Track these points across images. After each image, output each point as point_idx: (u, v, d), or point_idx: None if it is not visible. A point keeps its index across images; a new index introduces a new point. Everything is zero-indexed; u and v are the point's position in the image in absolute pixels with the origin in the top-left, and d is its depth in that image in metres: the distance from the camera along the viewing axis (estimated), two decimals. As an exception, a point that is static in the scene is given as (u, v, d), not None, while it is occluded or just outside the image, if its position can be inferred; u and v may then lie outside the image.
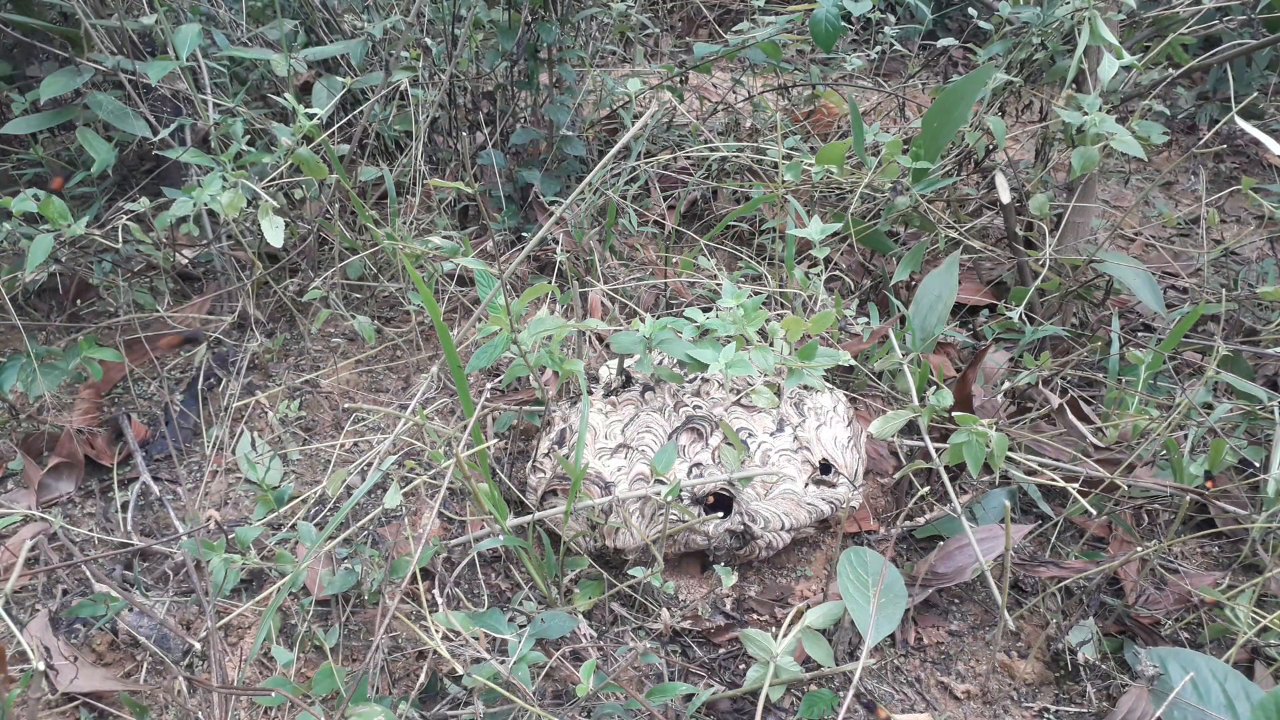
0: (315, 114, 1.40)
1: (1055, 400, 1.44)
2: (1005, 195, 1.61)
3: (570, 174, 1.91)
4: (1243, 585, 1.20)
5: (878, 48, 2.27)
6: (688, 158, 1.97)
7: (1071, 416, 1.40)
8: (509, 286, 1.27)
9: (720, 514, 1.16)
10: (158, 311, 1.58)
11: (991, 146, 1.91)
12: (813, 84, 2.16)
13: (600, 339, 1.57)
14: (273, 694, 0.93)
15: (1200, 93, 2.49)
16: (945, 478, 1.27)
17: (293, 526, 1.29)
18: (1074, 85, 1.64)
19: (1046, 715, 1.16)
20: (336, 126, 1.68)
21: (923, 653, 1.23)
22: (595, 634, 1.16)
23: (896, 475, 1.39)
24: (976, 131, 1.85)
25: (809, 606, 1.12)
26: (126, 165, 1.80)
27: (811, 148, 1.96)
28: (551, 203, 1.84)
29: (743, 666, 1.18)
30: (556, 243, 1.73)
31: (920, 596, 1.24)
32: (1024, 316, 1.65)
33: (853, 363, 1.32)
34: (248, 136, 1.57)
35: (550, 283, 1.39)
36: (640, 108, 2.18)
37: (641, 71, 2.24)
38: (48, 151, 1.67)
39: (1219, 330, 1.64)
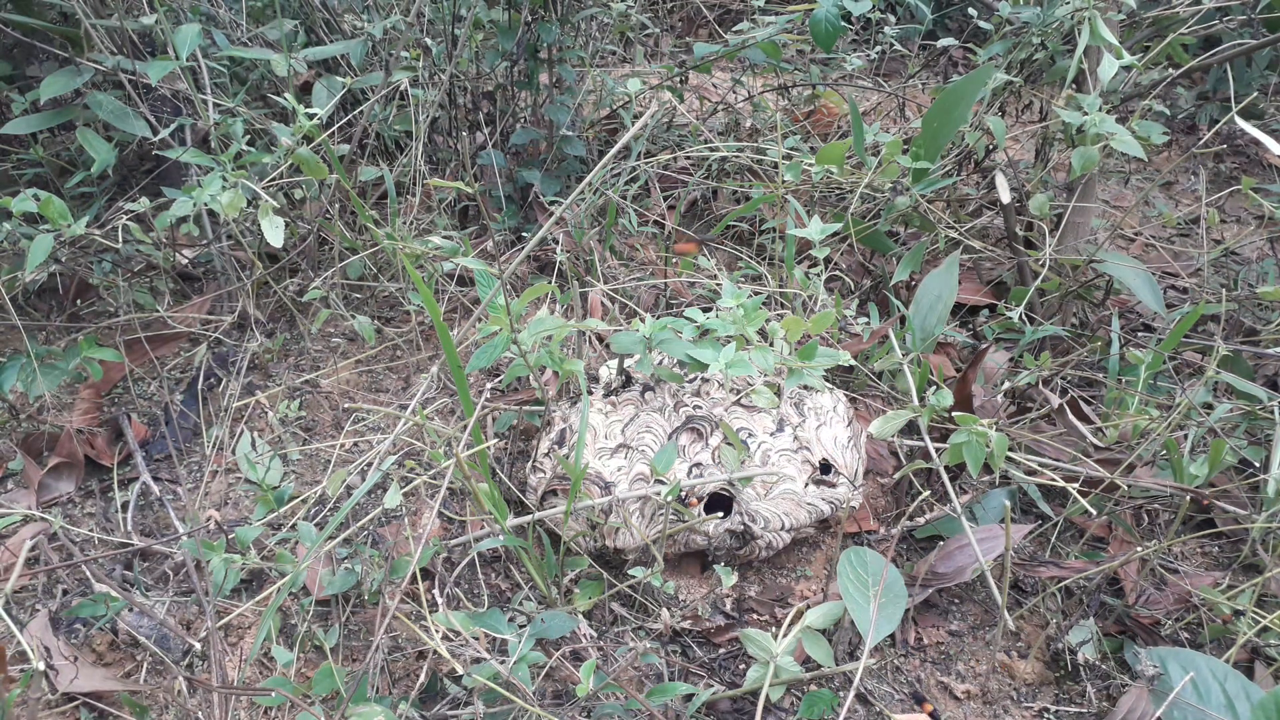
0: (315, 114, 1.40)
1: (1055, 400, 1.44)
2: (1005, 195, 1.61)
3: (570, 174, 1.91)
4: (1243, 585, 1.20)
5: (878, 48, 2.27)
6: (688, 158, 1.97)
7: (1071, 416, 1.40)
8: (509, 286, 1.27)
9: (720, 514, 1.16)
10: (158, 311, 1.58)
11: (991, 146, 1.91)
12: (813, 84, 2.16)
13: (600, 339, 1.57)
14: (273, 694, 0.93)
15: (1200, 93, 2.49)
16: (945, 478, 1.27)
17: (293, 526, 1.29)
18: (1074, 85, 1.64)
19: (1046, 715, 1.16)
20: (336, 126, 1.68)
21: (923, 653, 1.23)
22: (595, 634, 1.16)
23: (896, 475, 1.39)
24: (976, 131, 1.85)
25: (809, 606, 1.12)
26: (126, 165, 1.80)
27: (811, 148, 1.96)
28: (551, 203, 1.84)
29: (743, 666, 1.18)
30: (556, 243, 1.73)
31: (920, 596, 1.24)
32: (1024, 316, 1.65)
33: (853, 363, 1.32)
34: (248, 136, 1.57)
35: (550, 283, 1.39)
36: (640, 108, 2.18)
37: (641, 71, 2.24)
38: (48, 151, 1.67)
39: (1219, 330, 1.64)
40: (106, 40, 1.54)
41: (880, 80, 2.42)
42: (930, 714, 1.10)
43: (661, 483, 1.20)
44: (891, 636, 1.23)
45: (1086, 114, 1.52)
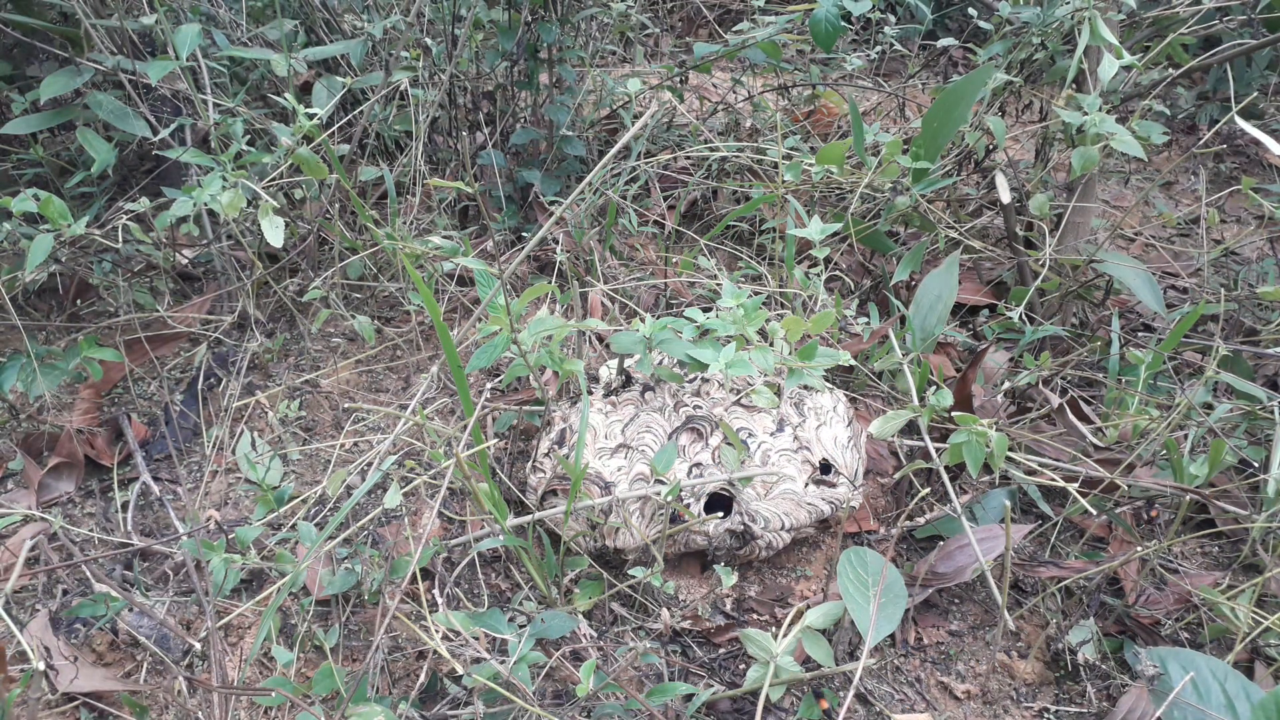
0: (315, 114, 1.40)
1: (1055, 400, 1.44)
2: (1005, 195, 1.61)
3: (570, 174, 1.91)
4: (1243, 585, 1.20)
5: (878, 48, 2.27)
6: (688, 158, 1.97)
7: (1071, 416, 1.40)
8: (509, 286, 1.27)
9: (720, 514, 1.16)
10: (158, 311, 1.58)
11: (991, 146, 1.91)
12: (813, 84, 2.16)
13: (600, 339, 1.57)
14: (273, 694, 0.93)
15: (1200, 93, 2.49)
16: (945, 478, 1.27)
17: (293, 526, 1.29)
18: (1074, 85, 1.64)
19: (1046, 715, 1.16)
20: (336, 126, 1.68)
21: (923, 653, 1.23)
22: (595, 634, 1.16)
23: (896, 475, 1.39)
24: (976, 131, 1.85)
25: (809, 606, 1.12)
26: (126, 165, 1.80)
27: (811, 148, 1.96)
28: (551, 203, 1.84)
29: (743, 666, 1.18)
30: (556, 243, 1.73)
31: (920, 596, 1.24)
32: (1024, 316, 1.65)
33: (853, 363, 1.32)
34: (248, 136, 1.57)
35: (550, 283, 1.39)
36: (640, 108, 2.18)
37: (641, 71, 2.24)
38: (48, 151, 1.67)
39: (1219, 330, 1.64)
40: (106, 40, 1.54)
41: (880, 80, 2.42)
42: None
43: (661, 483, 1.20)
44: (891, 636, 1.23)
45: (1086, 114, 1.52)
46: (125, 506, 1.35)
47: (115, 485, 1.38)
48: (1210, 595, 1.19)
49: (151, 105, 1.60)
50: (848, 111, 1.87)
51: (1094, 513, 1.22)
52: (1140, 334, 1.76)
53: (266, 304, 1.68)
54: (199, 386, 1.53)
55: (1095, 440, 1.38)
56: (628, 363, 1.38)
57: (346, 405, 1.41)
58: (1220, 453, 1.28)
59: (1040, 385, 1.51)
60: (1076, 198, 1.74)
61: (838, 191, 1.82)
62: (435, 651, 0.98)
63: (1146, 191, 1.98)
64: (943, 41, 2.06)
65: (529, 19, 1.78)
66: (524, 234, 1.86)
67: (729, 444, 1.23)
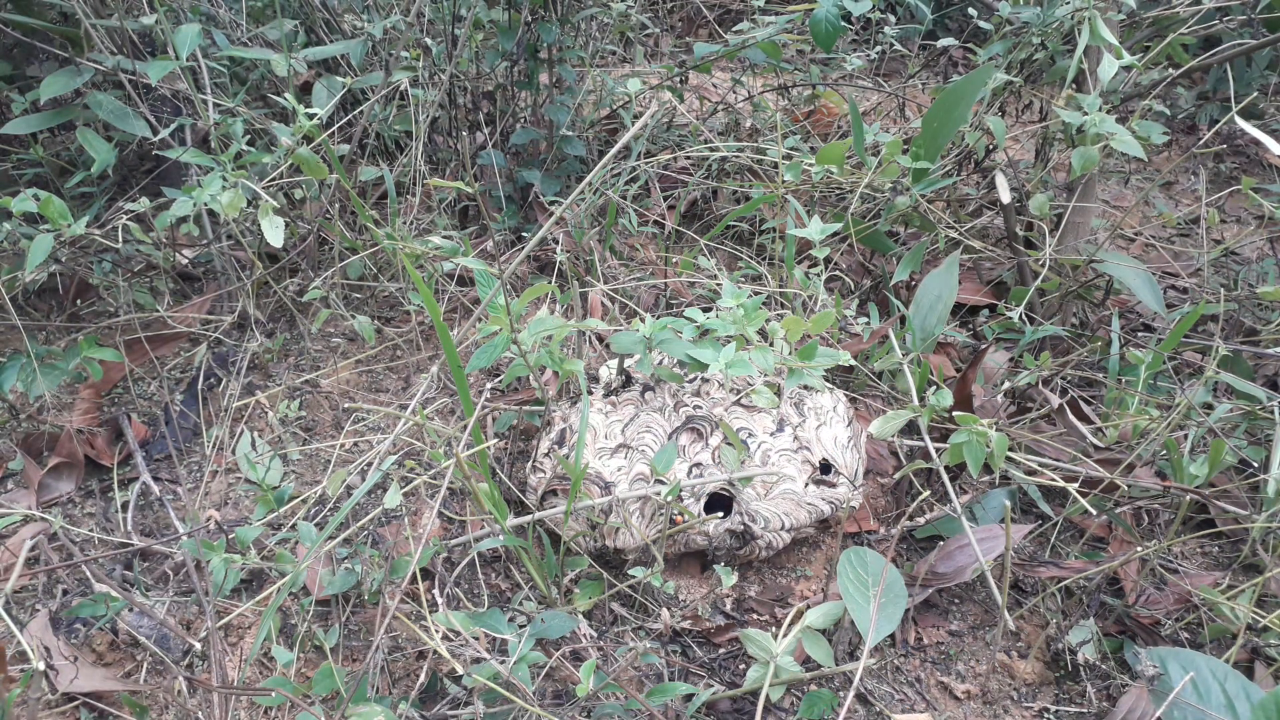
0: (315, 114, 1.40)
1: (1055, 400, 1.44)
2: (1005, 195, 1.61)
3: (570, 174, 1.91)
4: (1243, 585, 1.20)
5: (878, 48, 2.27)
6: (688, 158, 1.97)
7: (1071, 416, 1.40)
8: (509, 286, 1.27)
9: (720, 514, 1.16)
10: (158, 311, 1.58)
11: (991, 146, 1.91)
12: (813, 84, 2.16)
13: (600, 339, 1.57)
14: (273, 694, 0.93)
15: (1200, 93, 2.49)
16: (945, 478, 1.27)
17: (293, 526, 1.29)
18: (1074, 85, 1.64)
19: (1046, 715, 1.16)
20: (336, 126, 1.68)
21: (923, 653, 1.23)
22: (595, 634, 1.16)
23: (896, 475, 1.39)
24: (976, 131, 1.85)
25: (809, 606, 1.12)
26: (126, 165, 1.80)
27: (811, 148, 1.96)
28: (551, 203, 1.84)
29: (743, 666, 1.18)
30: (556, 243, 1.73)
31: (920, 596, 1.24)
32: (1024, 316, 1.65)
33: (853, 363, 1.32)
34: (248, 136, 1.57)
35: (550, 283, 1.39)
36: (640, 108, 2.18)
37: (641, 71, 2.24)
38: (48, 151, 1.67)
39: (1219, 330, 1.64)
40: (106, 40, 1.54)
41: (880, 80, 2.42)
42: None
43: (661, 483, 1.20)
44: (891, 636, 1.23)
45: (1086, 114, 1.52)
46: (125, 506, 1.35)
47: (115, 485, 1.38)
48: (1210, 595, 1.19)
49: (151, 105, 1.60)
50: (848, 111, 1.87)
51: (1094, 513, 1.22)
52: (1140, 334, 1.76)
53: (266, 304, 1.68)
54: (199, 386, 1.53)
55: (1095, 440, 1.38)
56: (628, 363, 1.38)
57: (346, 405, 1.41)
58: (1220, 453, 1.28)
59: (1040, 385, 1.51)
60: (1076, 198, 1.74)
61: (838, 191, 1.82)
62: (435, 651, 0.98)
63: (1146, 191, 1.98)
64: (943, 41, 2.06)
65: (529, 19, 1.78)
66: (524, 234, 1.86)
67: (729, 444, 1.23)
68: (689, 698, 1.08)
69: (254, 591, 1.24)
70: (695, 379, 1.34)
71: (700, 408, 1.29)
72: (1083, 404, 1.49)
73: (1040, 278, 1.64)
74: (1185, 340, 1.59)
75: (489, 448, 1.21)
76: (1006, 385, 1.52)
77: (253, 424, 1.50)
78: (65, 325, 1.61)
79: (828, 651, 1.07)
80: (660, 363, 1.32)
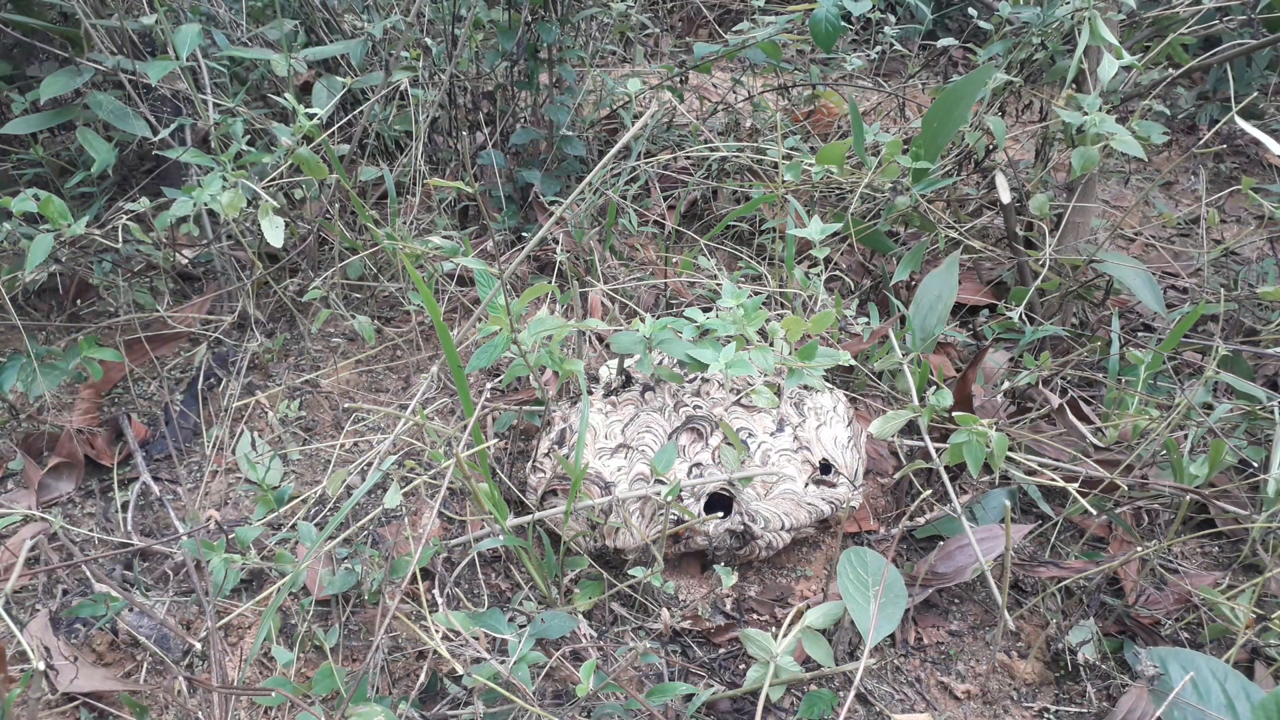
0: (315, 114, 1.40)
1: (1055, 400, 1.44)
2: (1005, 195, 1.61)
3: (570, 174, 1.91)
4: (1243, 585, 1.20)
5: (878, 48, 2.27)
6: (688, 158, 1.97)
7: (1071, 416, 1.40)
8: (509, 286, 1.27)
9: (720, 514, 1.16)
10: (158, 311, 1.58)
11: (991, 146, 1.91)
12: (813, 84, 2.16)
13: (600, 339, 1.57)
14: (273, 694, 0.93)
15: (1200, 93, 2.49)
16: (945, 478, 1.27)
17: (293, 526, 1.29)
18: (1074, 85, 1.64)
19: (1046, 715, 1.16)
20: (336, 126, 1.68)
21: (923, 653, 1.23)
22: (595, 634, 1.16)
23: (896, 475, 1.39)
24: (976, 131, 1.85)
25: (809, 606, 1.12)
26: (126, 165, 1.80)
27: (811, 148, 1.96)
28: (551, 203, 1.84)
29: (743, 666, 1.18)
30: (556, 243, 1.73)
31: (920, 596, 1.24)
32: (1024, 316, 1.65)
33: (853, 363, 1.32)
34: (248, 136, 1.57)
35: (550, 283, 1.39)
36: (640, 108, 2.18)
37: (641, 71, 2.24)
38: (48, 151, 1.67)
39: (1219, 330, 1.64)
40: (106, 40, 1.54)
41: (880, 80, 2.42)
42: None
43: (661, 483, 1.20)
44: (891, 636, 1.23)
45: (1086, 114, 1.52)
46: (125, 506, 1.35)
47: (115, 485, 1.38)
48: (1210, 595, 1.19)
49: (151, 105, 1.60)
50: (848, 111, 1.87)
51: (1094, 513, 1.22)
52: (1140, 334, 1.76)
53: (266, 304, 1.68)
54: (199, 386, 1.53)
55: (1095, 440, 1.38)
56: (628, 363, 1.38)
57: (346, 405, 1.41)
58: (1220, 453, 1.28)
59: (1040, 385, 1.51)
60: (1076, 198, 1.74)
61: (838, 191, 1.82)
62: (435, 651, 0.98)
63: (1146, 191, 1.98)
64: (943, 41, 2.06)
65: (529, 19, 1.78)
66: (524, 234, 1.86)
67: (729, 444, 1.23)
68: (689, 698, 1.08)
69: (254, 591, 1.24)
70: (695, 379, 1.34)
71: (700, 408, 1.29)
72: (1083, 404, 1.49)
73: (1040, 278, 1.64)
74: (1185, 340, 1.59)
75: (489, 448, 1.21)
76: (1006, 385, 1.52)
77: (253, 424, 1.50)
78: (65, 325, 1.61)
79: (828, 651, 1.07)
80: (660, 363, 1.32)
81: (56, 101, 1.52)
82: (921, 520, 1.34)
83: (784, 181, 1.70)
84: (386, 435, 1.39)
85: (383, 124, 1.79)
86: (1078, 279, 1.71)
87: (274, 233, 1.30)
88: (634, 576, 1.15)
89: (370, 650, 0.96)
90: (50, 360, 1.39)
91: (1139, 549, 1.22)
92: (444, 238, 1.54)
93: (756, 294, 1.50)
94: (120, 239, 1.40)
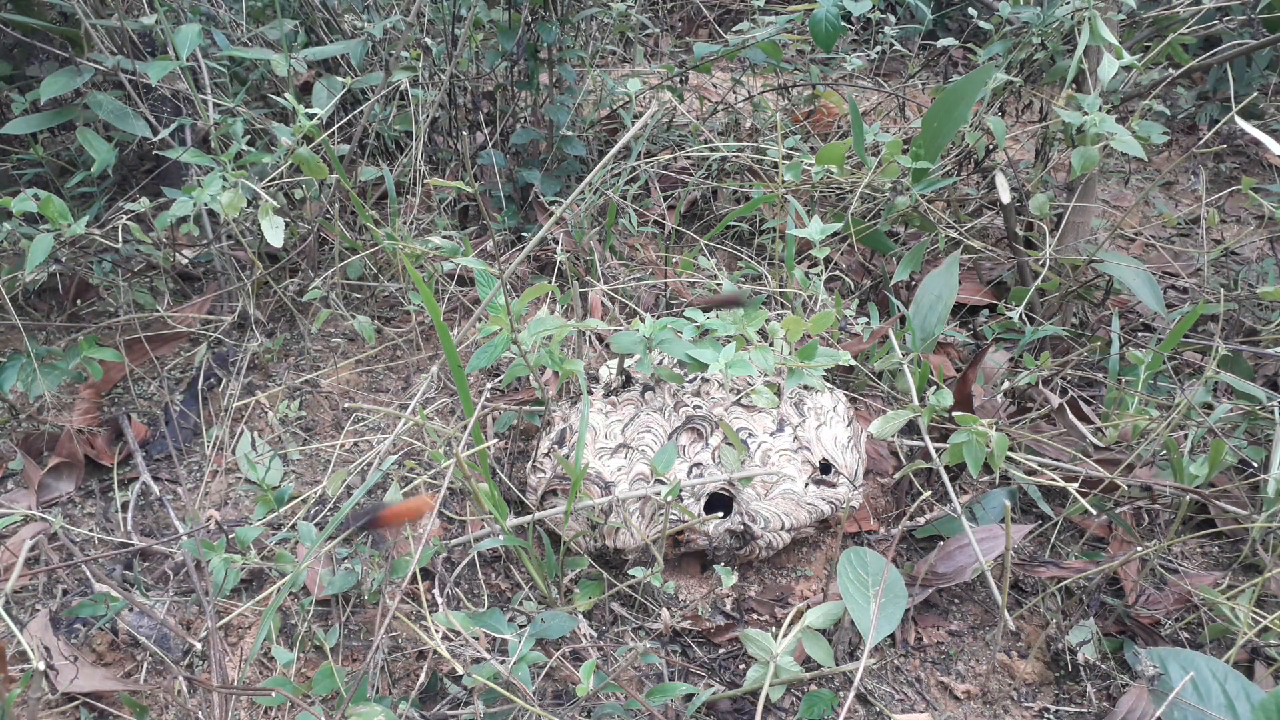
0: (315, 114, 1.40)
1: (1055, 400, 1.44)
2: (1005, 195, 1.61)
3: (570, 174, 1.91)
4: (1243, 585, 1.20)
5: (878, 48, 2.27)
6: (688, 158, 1.97)
7: (1071, 416, 1.40)
8: (509, 286, 1.27)
9: (720, 514, 1.16)
10: (158, 311, 1.58)
11: (991, 146, 1.91)
12: (813, 84, 2.16)
13: (600, 339, 1.57)
14: (273, 694, 0.93)
15: (1200, 93, 2.49)
16: (945, 478, 1.27)
17: (293, 526, 1.29)
18: (1074, 85, 1.64)
19: (1046, 715, 1.16)
20: (336, 126, 1.68)
21: (923, 653, 1.23)
22: (595, 634, 1.16)
23: (896, 475, 1.39)
24: (976, 131, 1.85)
25: (809, 606, 1.12)
26: (126, 165, 1.80)
27: (811, 148, 1.96)
28: (551, 203, 1.84)
29: (743, 666, 1.18)
30: (556, 243, 1.73)
31: (920, 596, 1.24)
32: (1024, 316, 1.65)
33: (853, 363, 1.32)
34: (248, 136, 1.57)
35: (550, 283, 1.39)
36: (640, 108, 2.18)
37: (641, 71, 2.24)
38: (48, 151, 1.67)
39: (1219, 330, 1.64)
40: (106, 40, 1.54)
41: (880, 80, 2.42)
42: None
43: (661, 483, 1.20)
44: (891, 636, 1.23)
45: (1086, 114, 1.52)
46: (125, 506, 1.35)
47: (115, 485, 1.38)
48: (1210, 595, 1.19)
49: (151, 105, 1.60)
50: (848, 111, 1.87)
51: (1094, 513, 1.22)
52: (1140, 334, 1.76)
53: (266, 304, 1.68)
54: (199, 386, 1.53)
55: (1095, 440, 1.38)
56: (628, 363, 1.38)
57: (346, 405, 1.41)
58: (1220, 453, 1.28)
59: (1040, 385, 1.51)
60: (1076, 198, 1.74)
61: (838, 191, 1.82)
62: (435, 651, 0.98)
63: (1146, 191, 1.98)
64: (943, 41, 2.06)
65: (529, 19, 1.78)
66: (524, 234, 1.86)
67: (729, 444, 1.23)
68: (689, 698, 1.08)
69: (254, 591, 1.24)
70: (695, 379, 1.34)
71: (700, 408, 1.29)
72: (1083, 404, 1.49)
73: (1040, 278, 1.64)
74: (1185, 340, 1.59)
75: (489, 448, 1.21)
76: (1006, 385, 1.52)
77: (253, 424, 1.50)
78: (65, 325, 1.61)
79: (828, 651, 1.07)
80: (660, 363, 1.32)
81: (56, 101, 1.52)
82: (921, 520, 1.34)
83: (784, 181, 1.70)
84: (386, 435, 1.39)
85: (383, 124, 1.79)
86: (1078, 279, 1.71)
87: (274, 233, 1.30)
88: (634, 576, 1.15)
89: (370, 650, 0.96)
90: (50, 360, 1.39)
91: (1139, 549, 1.22)
92: (444, 238, 1.54)
93: (756, 294, 1.50)
94: (120, 239, 1.40)
